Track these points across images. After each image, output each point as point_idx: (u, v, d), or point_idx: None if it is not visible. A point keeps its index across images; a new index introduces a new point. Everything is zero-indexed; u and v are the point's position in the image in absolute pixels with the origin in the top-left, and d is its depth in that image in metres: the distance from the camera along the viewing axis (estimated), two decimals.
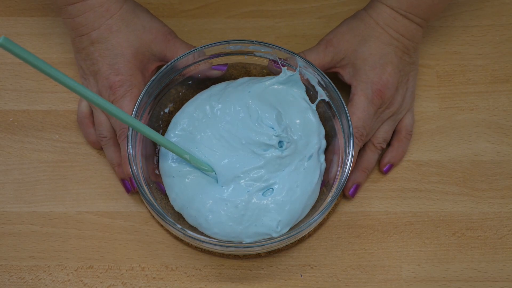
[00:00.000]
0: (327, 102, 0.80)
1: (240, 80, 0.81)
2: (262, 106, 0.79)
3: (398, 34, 0.79)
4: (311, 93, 0.81)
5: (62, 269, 0.79)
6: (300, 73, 0.80)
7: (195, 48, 0.79)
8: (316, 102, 0.80)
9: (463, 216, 0.81)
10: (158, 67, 0.82)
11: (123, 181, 0.81)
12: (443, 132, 0.85)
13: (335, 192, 0.76)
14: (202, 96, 0.81)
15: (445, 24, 0.90)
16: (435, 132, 0.85)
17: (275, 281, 0.79)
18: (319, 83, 0.79)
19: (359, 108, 0.78)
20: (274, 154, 0.77)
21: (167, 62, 0.79)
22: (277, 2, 0.90)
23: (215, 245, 0.75)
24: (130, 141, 0.76)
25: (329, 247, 0.80)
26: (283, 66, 0.80)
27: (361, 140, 0.79)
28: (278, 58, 0.80)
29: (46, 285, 0.78)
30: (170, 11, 0.90)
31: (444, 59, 0.88)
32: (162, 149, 0.79)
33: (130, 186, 0.80)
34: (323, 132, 0.80)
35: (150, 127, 0.75)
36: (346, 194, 0.81)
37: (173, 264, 0.79)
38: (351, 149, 0.76)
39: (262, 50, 0.80)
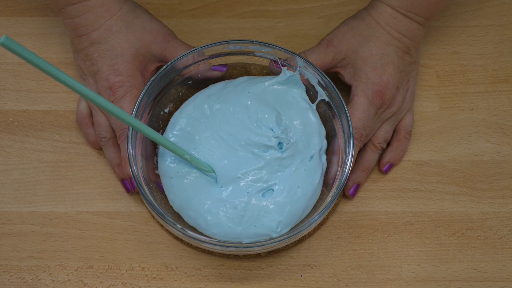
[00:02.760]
0: (327, 102, 0.80)
1: (240, 79, 0.81)
2: (262, 107, 0.79)
3: (399, 34, 0.79)
4: (311, 93, 0.81)
5: (62, 269, 0.79)
6: (300, 73, 0.80)
7: (194, 48, 0.79)
8: (316, 102, 0.80)
9: (463, 216, 0.81)
10: (158, 68, 0.82)
11: (123, 181, 0.81)
12: (443, 132, 0.85)
13: (335, 192, 0.76)
14: (201, 96, 0.81)
15: (445, 24, 0.90)
16: (435, 132, 0.85)
17: (275, 281, 0.79)
18: (319, 83, 0.79)
19: (359, 109, 0.78)
20: (274, 155, 0.77)
21: (167, 63, 0.79)
22: (277, 2, 0.90)
23: (215, 245, 0.75)
24: (130, 141, 0.76)
25: (329, 247, 0.80)
26: (283, 66, 0.80)
27: (361, 141, 0.79)
28: (278, 58, 0.80)
29: (46, 285, 0.78)
30: (170, 11, 0.90)
31: (444, 59, 0.88)
32: (161, 149, 0.79)
33: (130, 186, 0.80)
34: (323, 132, 0.80)
35: (150, 127, 0.75)
36: (346, 194, 0.81)
37: (173, 264, 0.79)
38: (351, 149, 0.76)
39: (262, 50, 0.80)
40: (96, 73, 0.79)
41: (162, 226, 0.80)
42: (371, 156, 0.81)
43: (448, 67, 0.88)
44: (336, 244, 0.80)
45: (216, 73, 0.82)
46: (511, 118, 0.85)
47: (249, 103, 0.79)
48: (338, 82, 0.82)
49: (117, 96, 0.78)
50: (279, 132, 0.78)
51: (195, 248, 0.80)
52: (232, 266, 0.80)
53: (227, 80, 0.82)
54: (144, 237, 0.80)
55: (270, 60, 0.81)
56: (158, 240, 0.80)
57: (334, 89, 0.78)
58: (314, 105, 0.80)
